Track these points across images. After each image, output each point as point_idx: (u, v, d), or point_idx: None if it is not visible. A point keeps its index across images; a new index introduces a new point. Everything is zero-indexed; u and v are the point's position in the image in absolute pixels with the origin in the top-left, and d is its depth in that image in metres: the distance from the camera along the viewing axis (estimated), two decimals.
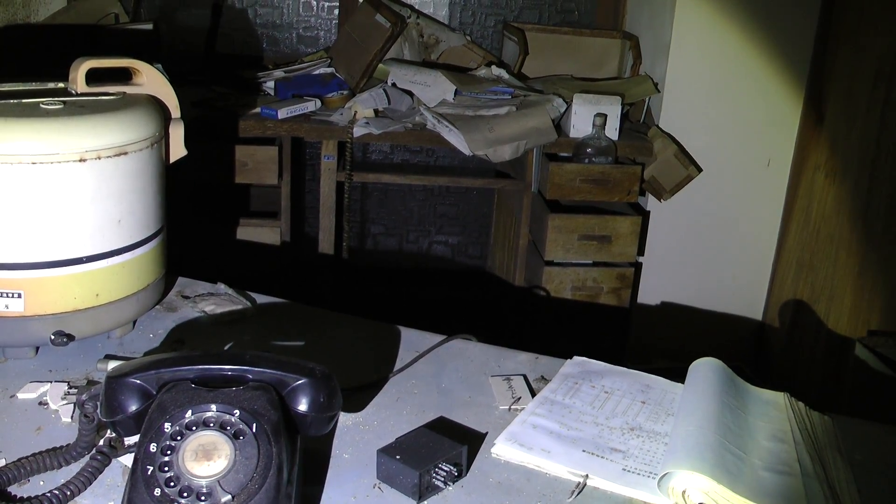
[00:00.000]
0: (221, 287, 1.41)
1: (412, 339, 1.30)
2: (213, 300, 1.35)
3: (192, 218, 2.76)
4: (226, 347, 1.23)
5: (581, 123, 2.86)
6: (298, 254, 3.15)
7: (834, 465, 1.06)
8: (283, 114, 2.76)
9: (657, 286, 3.17)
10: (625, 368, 1.26)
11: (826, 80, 2.98)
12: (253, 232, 2.82)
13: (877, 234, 2.69)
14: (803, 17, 3.01)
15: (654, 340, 3.19)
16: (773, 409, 1.17)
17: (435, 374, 1.21)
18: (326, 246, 2.94)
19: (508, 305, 3.19)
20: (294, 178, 3.00)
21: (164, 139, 1.29)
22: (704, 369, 1.19)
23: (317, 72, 3.07)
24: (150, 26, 2.86)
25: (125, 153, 1.17)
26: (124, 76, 1.31)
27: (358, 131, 2.75)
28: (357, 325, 1.34)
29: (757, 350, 3.30)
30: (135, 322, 1.28)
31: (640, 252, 3.05)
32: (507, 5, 3.59)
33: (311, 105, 2.86)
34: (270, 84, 3.02)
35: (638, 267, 3.07)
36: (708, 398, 1.11)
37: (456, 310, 3.43)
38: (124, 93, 1.28)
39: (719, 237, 3.16)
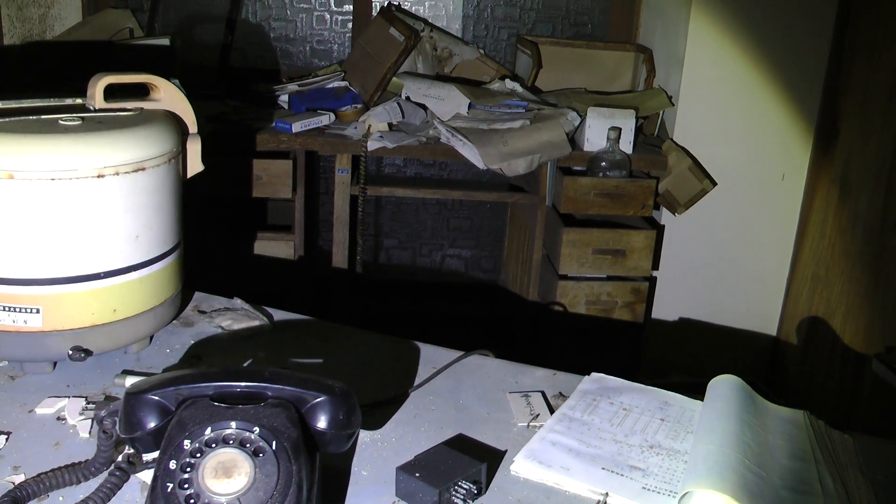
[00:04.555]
0: (238, 302, 1.41)
1: (429, 355, 1.29)
2: (229, 315, 1.35)
3: (208, 232, 2.77)
4: (244, 364, 1.23)
5: (595, 137, 2.86)
6: (312, 267, 3.15)
7: (856, 484, 1.05)
8: (297, 127, 2.77)
9: (672, 300, 3.15)
10: (643, 385, 1.26)
11: (841, 93, 2.97)
12: (267, 246, 2.82)
13: (893, 249, 2.67)
14: (818, 31, 3.00)
15: (669, 355, 3.18)
16: (793, 428, 1.16)
17: (453, 391, 1.20)
18: (340, 259, 2.94)
19: (522, 320, 3.18)
20: (308, 192, 3.00)
21: (181, 154, 1.29)
22: (723, 387, 1.18)
23: (330, 85, 3.08)
24: (166, 41, 2.88)
25: (143, 169, 1.17)
26: (142, 92, 1.32)
27: (372, 145, 2.75)
28: (374, 341, 1.34)
29: (772, 365, 3.28)
30: (152, 337, 1.28)
31: (655, 266, 3.03)
32: (521, 18, 3.59)
33: (325, 119, 2.87)
34: (284, 98, 3.03)
35: (653, 281, 3.06)
36: (727, 416, 1.10)
37: (470, 324, 3.43)
38: (142, 108, 1.28)
39: (734, 251, 3.15)
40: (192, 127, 1.35)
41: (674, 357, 3.16)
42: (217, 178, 2.55)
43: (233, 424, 0.84)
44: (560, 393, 1.22)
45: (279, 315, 1.40)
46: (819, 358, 3.02)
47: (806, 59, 3.04)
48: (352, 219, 2.92)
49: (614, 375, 1.28)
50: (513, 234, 3.50)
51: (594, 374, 1.27)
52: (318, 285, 3.16)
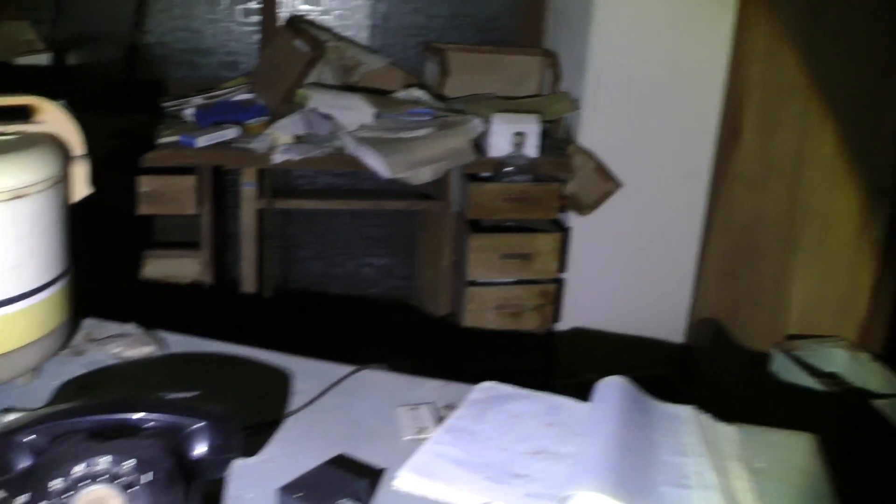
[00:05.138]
0: (131, 327, 1.40)
1: (323, 372, 1.30)
2: (121, 342, 1.34)
3: (108, 253, 2.73)
4: (129, 392, 1.22)
5: (500, 143, 2.89)
6: (221, 283, 3.13)
7: (734, 474, 1.09)
8: (202, 142, 2.75)
9: (582, 301, 3.20)
10: (533, 391, 1.28)
11: (743, 93, 3.05)
12: (173, 264, 2.79)
13: (795, 241, 2.76)
14: (719, 34, 3.08)
15: (582, 355, 3.22)
16: (678, 424, 1.20)
17: (343, 407, 1.21)
18: (249, 274, 2.93)
19: (434, 327, 3.20)
20: (217, 207, 2.98)
21: (66, 178, 1.27)
22: (609, 388, 1.22)
23: (237, 98, 3.06)
24: (51, 61, 2.81)
25: (23, 196, 1.15)
26: (25, 114, 1.30)
27: (278, 157, 2.75)
28: (268, 360, 1.34)
29: (683, 359, 3.35)
30: (39, 369, 1.26)
31: (563, 268, 3.08)
32: (429, 25, 3.60)
33: (231, 132, 2.85)
34: (191, 111, 3.00)
35: (561, 283, 3.11)
36: (611, 417, 1.13)
37: (385, 333, 3.44)
38: (24, 132, 1.26)
39: (642, 250, 3.21)
40: (79, 149, 1.33)
41: (586, 357, 3.21)
42: (119, 196, 2.53)
43: (106, 459, 0.84)
44: (450, 404, 1.24)
45: (176, 339, 1.39)
46: (728, 351, 3.10)
47: (708, 61, 3.11)
48: (262, 233, 2.91)
49: (526, 379, 1.30)
50: (425, 242, 3.53)
51: (484, 383, 1.29)
52: (226, 302, 3.14)
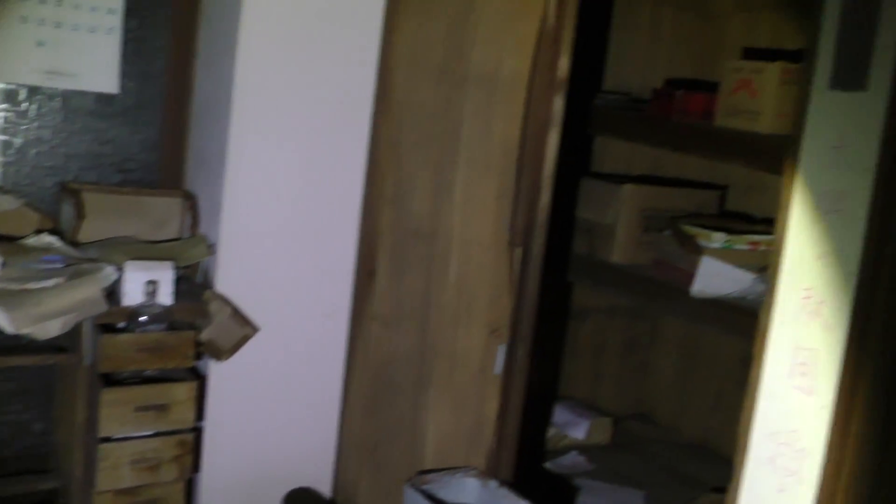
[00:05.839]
0: None
1: None
2: None
3: None
4: None
5: (133, 291, 2.83)
6: None
7: None
8: None
9: (224, 447, 3.16)
10: None
11: (376, 234, 3.21)
12: None
13: (428, 378, 2.90)
14: (352, 177, 3.21)
15: (230, 498, 3.17)
16: None
17: None
18: None
19: (67, 490, 3.03)
20: None
21: None
22: None
23: None
24: None
25: None
26: None
27: None
28: None
29: (334, 489, 3.38)
30: None
31: (202, 416, 3.04)
32: (66, 165, 3.48)
33: None
34: None
35: (200, 431, 3.05)
36: None
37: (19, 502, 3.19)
38: None
39: (285, 390, 3.23)
40: None
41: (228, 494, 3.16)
42: None
43: None
44: None
45: None
46: (372, 487, 3.17)
47: (341, 205, 3.23)
48: None
49: None
50: (61, 397, 3.35)
51: None
52: None
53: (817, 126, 1.94)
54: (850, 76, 1.87)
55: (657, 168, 4.41)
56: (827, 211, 1.91)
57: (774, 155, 2.02)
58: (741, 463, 2.07)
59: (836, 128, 1.91)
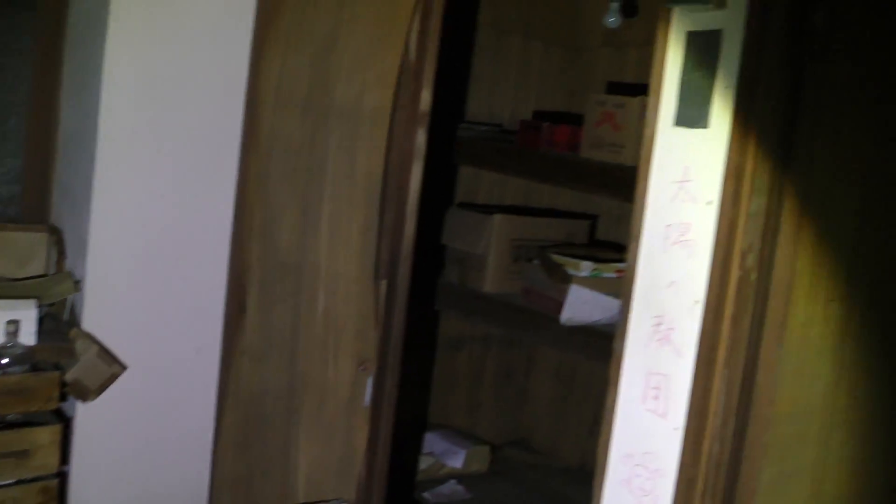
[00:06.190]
0: None
1: None
2: None
3: None
4: None
5: None
6: None
7: None
8: None
9: (92, 491, 3.08)
10: None
11: (246, 267, 3.19)
12: None
13: (296, 411, 2.90)
14: (220, 206, 3.19)
15: None
16: None
17: None
18: None
19: None
20: None
21: None
22: None
23: None
24: None
25: None
26: None
27: None
28: None
29: None
30: None
31: (67, 461, 2.96)
32: None
33: None
34: None
35: (65, 476, 2.97)
36: None
37: None
38: None
39: (155, 429, 3.17)
40: None
41: None
42: None
43: None
44: None
45: None
46: None
47: (211, 234, 3.20)
48: None
49: None
50: None
51: None
52: None
53: (664, 160, 2.03)
54: (692, 114, 1.97)
55: (530, 199, 4.51)
56: (674, 241, 2.00)
57: (634, 186, 2.10)
58: (600, 485, 2.13)
59: (681, 162, 2.00)
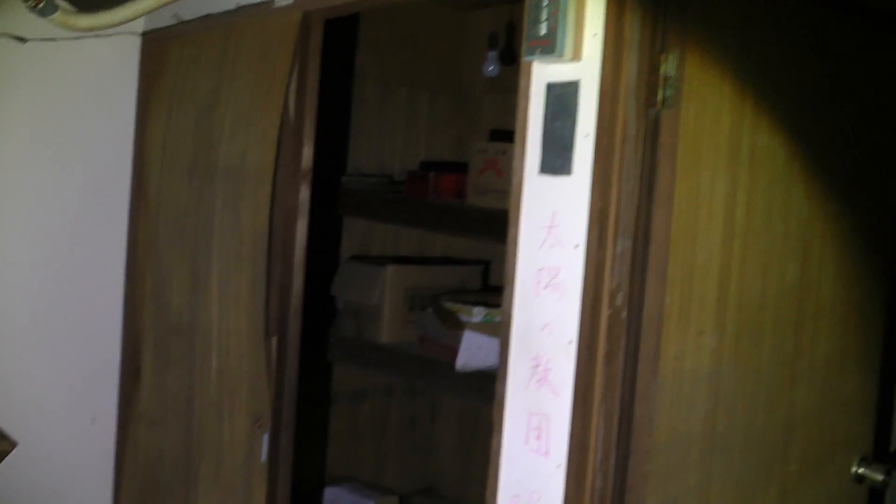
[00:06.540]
0: None
1: None
2: None
3: None
4: None
5: None
6: None
7: None
8: None
9: None
10: None
11: (141, 329, 3.17)
12: None
13: (194, 475, 2.88)
14: (112, 279, 3.17)
15: None
16: None
17: None
18: None
19: None
20: None
21: None
22: None
23: None
24: None
25: None
26: None
27: None
28: None
29: None
30: None
31: None
32: None
33: None
34: None
35: None
36: None
37: None
38: None
39: (46, 499, 3.12)
40: None
41: None
42: None
43: None
44: None
45: None
46: None
47: (106, 297, 3.18)
48: None
49: None
50: None
51: None
52: None
53: (532, 207, 2.11)
54: (555, 162, 2.05)
55: (424, 248, 4.57)
56: (545, 285, 2.07)
57: None
58: None
59: (549, 207, 2.08)
